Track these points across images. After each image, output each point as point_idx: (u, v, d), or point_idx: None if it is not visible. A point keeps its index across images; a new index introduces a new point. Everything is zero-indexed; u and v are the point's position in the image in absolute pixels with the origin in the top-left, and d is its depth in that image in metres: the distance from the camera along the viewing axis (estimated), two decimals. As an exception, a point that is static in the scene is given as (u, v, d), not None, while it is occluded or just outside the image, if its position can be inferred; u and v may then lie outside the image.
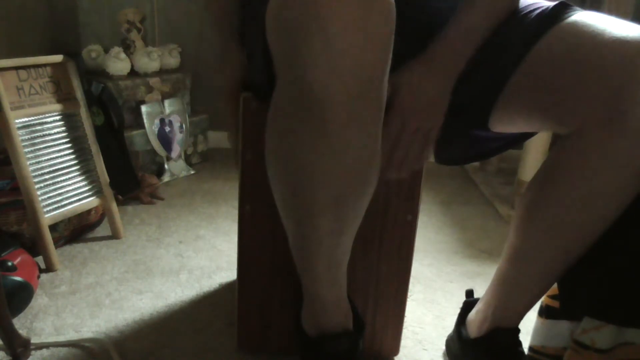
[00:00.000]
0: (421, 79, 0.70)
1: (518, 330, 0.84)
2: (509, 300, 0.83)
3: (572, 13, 0.70)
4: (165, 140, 1.81)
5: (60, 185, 1.25)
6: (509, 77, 0.73)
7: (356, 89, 0.55)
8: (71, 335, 0.97)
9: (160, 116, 1.80)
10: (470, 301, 0.95)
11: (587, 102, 0.64)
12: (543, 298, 0.84)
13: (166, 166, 1.83)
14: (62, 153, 1.27)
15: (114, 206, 1.36)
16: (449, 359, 0.97)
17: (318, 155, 0.59)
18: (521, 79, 0.72)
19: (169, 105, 1.83)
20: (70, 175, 1.28)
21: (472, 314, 0.91)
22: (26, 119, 1.20)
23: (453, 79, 0.72)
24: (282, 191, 0.67)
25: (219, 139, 2.20)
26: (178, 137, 1.86)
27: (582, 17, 0.69)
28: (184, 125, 1.88)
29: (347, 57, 0.53)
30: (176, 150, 1.86)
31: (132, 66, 1.77)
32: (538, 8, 0.74)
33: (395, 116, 0.70)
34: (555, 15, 0.71)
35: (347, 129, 0.57)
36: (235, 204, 0.85)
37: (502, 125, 0.78)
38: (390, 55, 0.58)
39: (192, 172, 1.92)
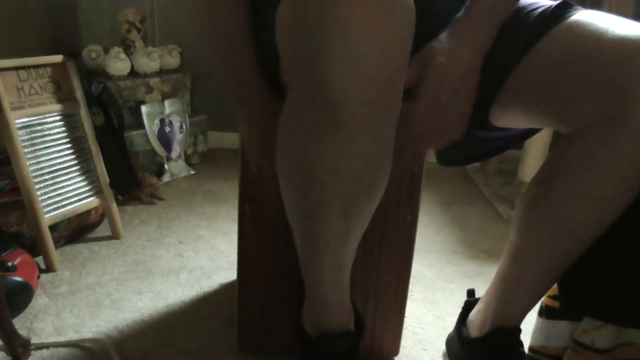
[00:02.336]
0: (455, 46, 0.69)
1: (519, 330, 0.84)
2: (510, 300, 0.83)
3: (574, 12, 0.70)
4: (165, 140, 1.81)
5: (60, 185, 1.25)
6: (508, 73, 0.73)
7: (373, 92, 0.55)
8: (71, 336, 0.97)
9: (160, 116, 1.80)
10: (471, 301, 0.95)
11: (589, 100, 0.64)
12: (543, 298, 0.84)
13: (166, 166, 1.83)
14: (62, 153, 1.27)
15: (114, 206, 1.36)
16: (450, 359, 0.97)
17: (331, 157, 0.58)
18: (522, 75, 0.72)
19: (169, 106, 1.83)
20: (70, 176, 1.28)
21: (473, 314, 0.91)
22: (26, 119, 1.20)
23: (481, 55, 0.71)
24: (292, 191, 0.66)
25: (219, 139, 2.20)
26: (178, 137, 1.86)
27: (583, 16, 0.69)
28: (184, 126, 1.88)
29: (366, 61, 0.53)
30: (176, 150, 1.86)
31: (132, 66, 1.77)
32: (540, 7, 0.74)
33: (431, 82, 0.69)
34: (557, 14, 0.71)
35: (362, 132, 0.57)
36: (235, 204, 0.85)
37: (503, 120, 0.78)
38: (408, 60, 0.57)
39: (192, 172, 1.92)
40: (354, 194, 0.62)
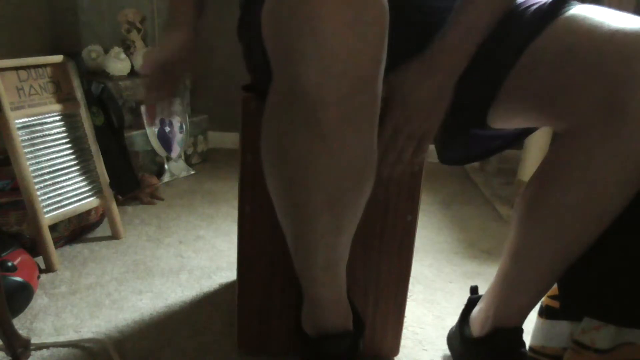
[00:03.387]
0: (419, 80, 0.70)
1: (521, 330, 0.83)
2: (511, 299, 0.83)
3: (570, 7, 0.70)
4: (165, 140, 1.81)
5: (60, 185, 1.25)
6: (506, 73, 0.73)
7: (348, 89, 0.55)
8: (71, 336, 0.97)
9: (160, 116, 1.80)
10: (474, 298, 0.94)
11: (585, 97, 0.63)
12: (543, 298, 0.83)
13: (166, 166, 1.83)
14: (62, 153, 1.27)
15: (114, 206, 1.36)
16: (451, 353, 0.96)
17: (312, 155, 0.59)
18: (519, 75, 0.72)
19: (169, 106, 1.83)
20: (70, 176, 1.28)
21: (475, 312, 0.91)
22: (26, 119, 1.20)
23: (454, 79, 0.71)
24: (278, 191, 0.67)
25: (219, 139, 2.20)
26: (178, 137, 1.86)
27: (579, 10, 0.69)
28: (184, 125, 1.88)
29: (338, 58, 0.53)
30: (176, 150, 1.86)
31: (132, 66, 1.77)
32: (536, 3, 0.73)
33: (390, 118, 0.70)
34: (553, 10, 0.70)
35: (341, 128, 0.57)
36: (235, 204, 0.85)
37: (501, 122, 0.78)
38: (385, 55, 0.58)
39: (192, 172, 1.92)
40: (339, 190, 0.62)
